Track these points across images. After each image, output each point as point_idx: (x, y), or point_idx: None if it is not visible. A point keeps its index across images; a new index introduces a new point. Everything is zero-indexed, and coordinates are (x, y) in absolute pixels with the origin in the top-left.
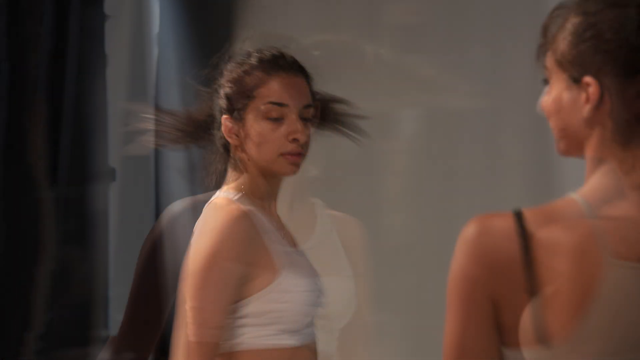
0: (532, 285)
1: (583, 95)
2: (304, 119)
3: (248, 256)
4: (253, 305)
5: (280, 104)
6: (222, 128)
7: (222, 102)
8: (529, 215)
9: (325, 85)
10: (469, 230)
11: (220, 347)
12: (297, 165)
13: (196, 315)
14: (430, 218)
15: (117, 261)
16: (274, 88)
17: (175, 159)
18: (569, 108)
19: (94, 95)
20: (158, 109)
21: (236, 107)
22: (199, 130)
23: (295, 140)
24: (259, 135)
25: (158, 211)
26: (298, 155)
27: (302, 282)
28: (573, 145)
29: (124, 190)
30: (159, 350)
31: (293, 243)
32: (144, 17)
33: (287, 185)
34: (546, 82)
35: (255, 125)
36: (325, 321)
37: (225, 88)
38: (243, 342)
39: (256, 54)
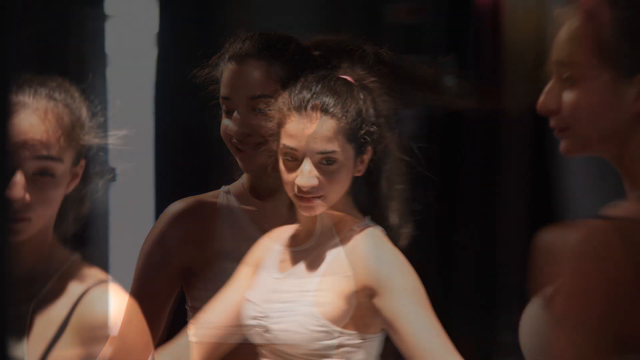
0: None
1: (632, 91)
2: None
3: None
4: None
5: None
6: None
7: None
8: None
9: None
10: (597, 244)
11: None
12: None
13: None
14: (430, 218)
15: (117, 261)
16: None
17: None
18: (614, 106)
19: (93, 95)
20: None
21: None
22: None
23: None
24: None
25: (158, 211)
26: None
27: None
28: (580, 146)
29: (124, 190)
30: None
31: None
32: (144, 17)
33: None
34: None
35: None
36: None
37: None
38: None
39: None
